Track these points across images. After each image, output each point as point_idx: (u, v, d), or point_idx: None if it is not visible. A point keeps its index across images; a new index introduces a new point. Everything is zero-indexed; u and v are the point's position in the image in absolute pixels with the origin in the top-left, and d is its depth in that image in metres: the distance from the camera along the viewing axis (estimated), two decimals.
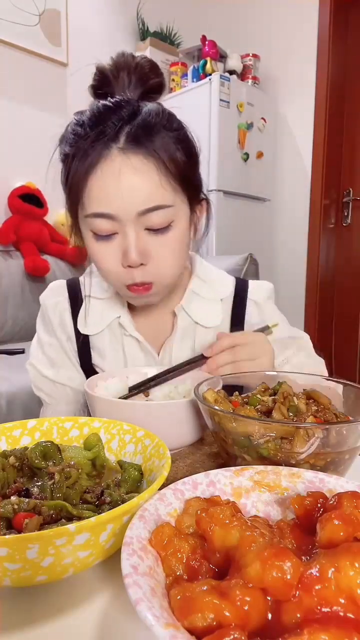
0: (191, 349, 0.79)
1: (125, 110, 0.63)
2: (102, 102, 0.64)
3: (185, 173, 0.66)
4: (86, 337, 0.80)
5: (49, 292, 0.84)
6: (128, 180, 0.61)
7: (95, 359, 0.80)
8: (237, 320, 0.81)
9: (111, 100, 0.64)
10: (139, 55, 0.68)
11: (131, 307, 0.80)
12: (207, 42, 2.64)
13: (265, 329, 0.71)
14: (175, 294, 0.80)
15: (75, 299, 0.81)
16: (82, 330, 0.79)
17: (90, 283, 0.81)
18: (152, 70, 0.68)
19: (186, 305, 0.79)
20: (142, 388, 0.64)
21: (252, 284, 0.84)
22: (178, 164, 0.64)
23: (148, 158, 0.62)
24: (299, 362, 0.79)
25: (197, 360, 0.66)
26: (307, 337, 0.85)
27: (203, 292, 0.80)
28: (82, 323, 0.79)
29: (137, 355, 0.79)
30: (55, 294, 0.82)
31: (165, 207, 0.63)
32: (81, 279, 0.83)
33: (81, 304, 0.80)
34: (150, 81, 0.67)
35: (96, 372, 0.79)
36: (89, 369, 0.81)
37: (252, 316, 0.81)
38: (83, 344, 0.80)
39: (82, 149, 0.62)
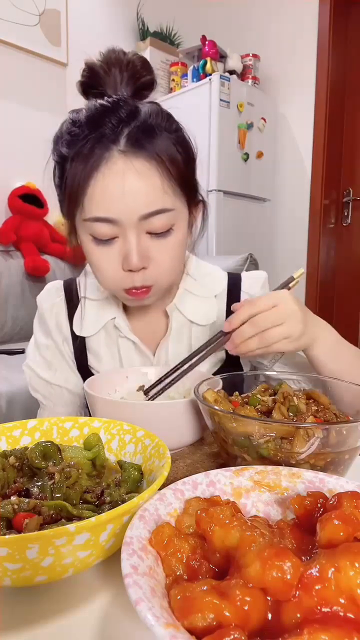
0: (187, 348, 0.78)
1: (124, 110, 0.61)
2: (99, 101, 0.63)
3: (185, 175, 0.65)
4: (82, 338, 0.79)
5: (45, 294, 0.83)
6: (131, 184, 0.59)
7: (91, 360, 0.80)
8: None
9: (108, 100, 0.63)
10: (130, 51, 0.67)
11: (126, 308, 0.79)
12: (207, 42, 2.64)
13: (289, 282, 0.64)
14: (169, 293, 0.79)
15: (72, 300, 0.80)
16: (78, 332, 0.78)
17: (85, 284, 0.80)
18: (144, 67, 0.66)
19: (179, 304, 0.77)
20: (163, 386, 0.62)
21: (245, 277, 0.82)
22: (179, 166, 0.63)
23: (150, 161, 0.60)
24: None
25: (218, 339, 0.61)
26: None
27: (196, 290, 0.79)
28: (78, 325, 0.78)
29: (133, 357, 0.78)
30: (51, 296, 0.82)
31: (167, 211, 0.62)
32: (78, 279, 0.83)
33: (77, 305, 0.80)
34: (142, 78, 0.66)
35: (92, 374, 0.79)
36: (85, 371, 0.80)
37: None
38: (79, 345, 0.80)
39: (81, 152, 0.60)
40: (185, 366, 0.62)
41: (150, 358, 0.78)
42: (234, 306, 0.61)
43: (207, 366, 0.78)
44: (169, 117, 0.65)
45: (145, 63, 0.67)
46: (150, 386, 0.64)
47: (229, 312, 0.78)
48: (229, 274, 0.83)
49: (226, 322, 0.60)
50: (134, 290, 0.66)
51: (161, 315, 0.80)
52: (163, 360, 0.77)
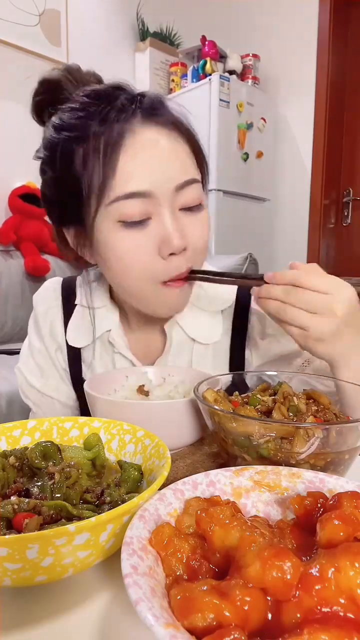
0: (187, 366, 0.72)
1: (129, 91, 0.59)
2: (98, 86, 0.61)
3: (200, 152, 0.63)
4: (77, 348, 0.75)
5: (42, 295, 0.78)
6: (165, 150, 0.56)
7: (85, 372, 0.76)
8: (239, 335, 0.73)
9: (106, 84, 0.61)
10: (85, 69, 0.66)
11: (123, 320, 0.74)
12: (206, 42, 2.64)
13: None
14: None
15: (69, 304, 0.76)
16: (71, 342, 0.74)
17: (83, 291, 0.75)
18: (100, 82, 0.66)
19: (181, 320, 0.71)
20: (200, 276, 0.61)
21: None
22: (195, 141, 0.62)
23: (174, 130, 0.58)
24: (322, 365, 0.68)
25: (255, 279, 0.56)
26: None
27: (201, 303, 0.72)
28: (72, 333, 0.74)
29: None
30: (48, 299, 0.77)
31: (197, 182, 0.59)
32: (79, 279, 0.78)
33: (74, 309, 0.75)
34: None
35: None
36: (79, 381, 0.76)
37: (255, 330, 0.72)
38: (73, 355, 0.75)
39: (97, 130, 0.56)
40: (211, 277, 0.59)
41: None
42: (291, 264, 0.54)
43: None
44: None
45: (100, 79, 0.66)
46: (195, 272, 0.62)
47: (235, 331, 0.73)
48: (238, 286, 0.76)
49: (272, 273, 0.53)
50: (170, 282, 0.60)
51: (161, 330, 0.74)
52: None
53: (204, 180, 0.66)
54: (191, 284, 0.64)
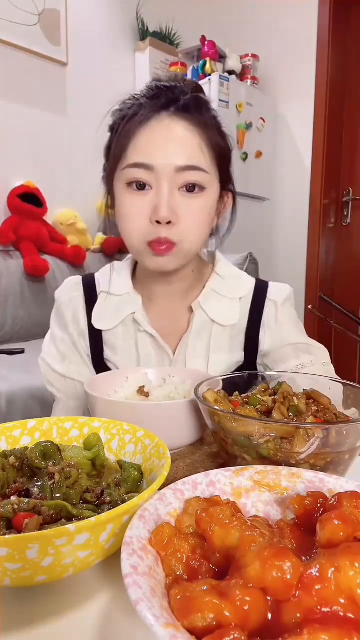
0: (206, 347, 0.79)
1: (178, 90, 0.69)
2: (157, 83, 0.71)
3: (221, 155, 0.71)
4: (99, 332, 0.80)
5: (64, 288, 0.85)
6: (175, 136, 0.66)
7: (108, 354, 0.81)
8: (255, 320, 0.81)
9: (167, 82, 0.71)
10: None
11: (146, 303, 0.81)
12: (206, 43, 2.64)
13: None
14: (194, 290, 0.81)
15: (91, 296, 0.82)
16: (96, 325, 0.80)
17: (106, 279, 0.82)
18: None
19: (204, 303, 0.79)
20: None
21: (272, 286, 0.84)
22: (218, 143, 0.71)
23: (193, 126, 0.68)
24: (315, 372, 0.74)
25: None
26: (325, 350, 0.82)
27: (222, 290, 0.81)
28: (97, 318, 0.80)
29: (150, 352, 0.79)
30: (70, 290, 0.83)
31: (203, 171, 0.67)
32: (97, 275, 0.85)
33: (96, 301, 0.81)
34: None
35: (108, 368, 0.80)
36: (100, 364, 0.81)
37: (270, 317, 0.81)
38: (95, 339, 0.81)
39: (135, 111, 0.68)
40: None
41: (169, 352, 0.79)
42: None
43: (224, 367, 0.79)
44: (213, 109, 0.74)
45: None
46: None
47: (252, 315, 0.81)
48: (256, 279, 0.85)
49: None
50: (157, 245, 0.68)
51: (182, 312, 0.81)
52: (182, 357, 0.78)
53: (225, 185, 0.75)
54: (177, 257, 0.71)
